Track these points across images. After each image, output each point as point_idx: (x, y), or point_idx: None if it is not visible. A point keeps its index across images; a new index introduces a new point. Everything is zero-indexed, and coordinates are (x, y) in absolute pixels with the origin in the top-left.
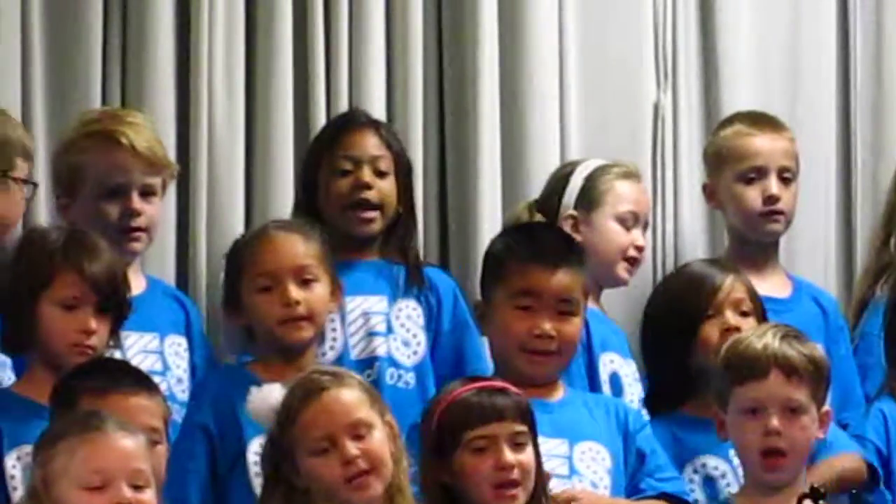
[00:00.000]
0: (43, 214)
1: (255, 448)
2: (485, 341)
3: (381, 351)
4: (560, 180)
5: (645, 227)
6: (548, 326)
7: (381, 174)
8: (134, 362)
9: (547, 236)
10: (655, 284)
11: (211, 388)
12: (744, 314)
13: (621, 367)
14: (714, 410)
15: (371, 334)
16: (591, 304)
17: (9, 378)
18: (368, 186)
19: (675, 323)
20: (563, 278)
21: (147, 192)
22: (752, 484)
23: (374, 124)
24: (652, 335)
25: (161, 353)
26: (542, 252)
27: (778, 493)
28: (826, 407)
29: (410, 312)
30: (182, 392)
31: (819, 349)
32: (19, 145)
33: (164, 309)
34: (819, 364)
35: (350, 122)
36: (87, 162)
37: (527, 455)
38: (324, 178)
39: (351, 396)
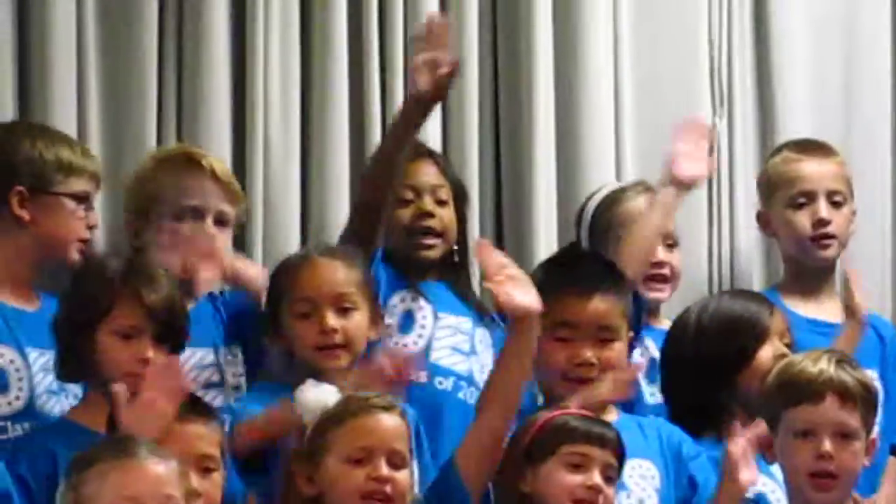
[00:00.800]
0: (99, 234)
1: None
2: None
3: (461, 368)
4: (576, 218)
5: (668, 241)
6: (588, 354)
7: (441, 203)
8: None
9: (582, 262)
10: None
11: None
12: (787, 346)
13: None
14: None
15: (455, 349)
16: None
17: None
18: (431, 215)
19: (724, 359)
20: (599, 305)
21: (221, 221)
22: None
23: (432, 154)
24: (686, 373)
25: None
26: (576, 280)
27: None
28: (873, 435)
29: (486, 339)
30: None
31: (871, 376)
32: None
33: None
34: (872, 391)
35: (411, 153)
36: (164, 185)
37: (611, 490)
38: (386, 210)
39: (399, 427)
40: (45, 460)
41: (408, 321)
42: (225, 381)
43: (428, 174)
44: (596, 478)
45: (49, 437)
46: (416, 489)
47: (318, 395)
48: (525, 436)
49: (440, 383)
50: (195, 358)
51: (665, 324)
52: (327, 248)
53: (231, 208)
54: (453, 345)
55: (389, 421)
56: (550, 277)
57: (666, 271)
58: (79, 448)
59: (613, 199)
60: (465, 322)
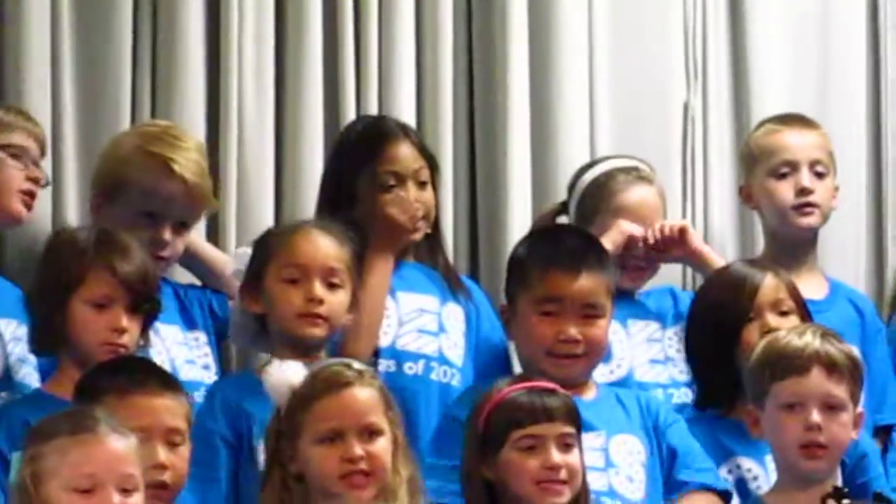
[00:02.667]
0: (72, 215)
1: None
2: (511, 344)
3: (429, 349)
4: (570, 183)
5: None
6: (573, 331)
7: (422, 185)
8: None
9: (568, 240)
10: (683, 282)
11: (222, 394)
12: (783, 314)
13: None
14: (748, 409)
15: (421, 331)
16: None
17: (30, 376)
18: (416, 202)
19: (717, 327)
20: (585, 283)
21: (181, 226)
22: (785, 481)
23: (406, 132)
24: (695, 339)
25: None
26: (563, 257)
27: (810, 488)
28: (860, 409)
29: (457, 316)
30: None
31: (855, 350)
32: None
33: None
34: (857, 364)
35: (386, 134)
36: (135, 179)
37: (574, 456)
38: (365, 191)
39: (369, 398)
40: (21, 432)
41: None
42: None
43: (407, 157)
44: (553, 456)
45: (25, 408)
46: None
47: (285, 375)
48: (477, 422)
49: (410, 369)
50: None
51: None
52: (324, 223)
53: (195, 215)
54: (419, 327)
55: (358, 394)
56: (537, 252)
57: (643, 264)
58: None
59: (606, 185)
60: (431, 301)
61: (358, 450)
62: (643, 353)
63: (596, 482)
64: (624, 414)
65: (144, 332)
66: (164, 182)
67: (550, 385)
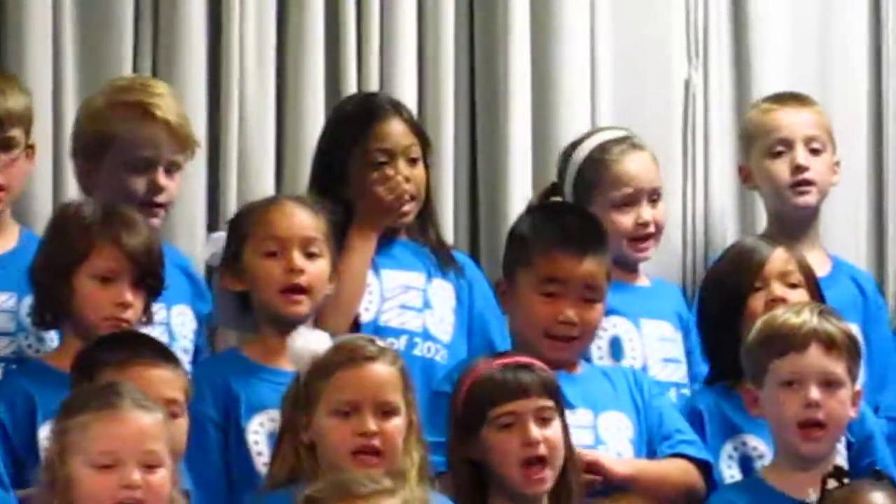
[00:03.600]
0: (73, 189)
1: (253, 427)
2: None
3: (412, 325)
4: (559, 165)
5: (653, 198)
6: (571, 313)
7: (412, 161)
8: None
9: (574, 220)
10: (684, 260)
11: (208, 375)
12: (792, 286)
13: (626, 331)
14: (746, 387)
15: (404, 307)
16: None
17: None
18: (407, 180)
19: (725, 297)
20: (590, 266)
21: (172, 169)
22: (784, 458)
23: (397, 108)
24: (705, 311)
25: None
26: (570, 238)
27: (810, 467)
28: (857, 386)
29: (445, 293)
30: (188, 363)
31: (854, 327)
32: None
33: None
34: (855, 341)
35: (377, 112)
36: (117, 131)
37: (553, 430)
38: (355, 169)
39: (389, 376)
40: (22, 403)
41: None
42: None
43: (398, 134)
44: (532, 431)
45: (25, 379)
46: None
47: (309, 343)
48: (456, 403)
49: (392, 344)
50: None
51: (643, 282)
52: (296, 195)
53: (183, 155)
54: (403, 303)
55: (378, 370)
56: (541, 230)
57: (651, 229)
58: (55, 391)
59: (601, 158)
60: (417, 277)
61: (372, 425)
62: (656, 352)
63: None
64: (612, 389)
65: (147, 308)
66: (147, 126)
67: (525, 360)
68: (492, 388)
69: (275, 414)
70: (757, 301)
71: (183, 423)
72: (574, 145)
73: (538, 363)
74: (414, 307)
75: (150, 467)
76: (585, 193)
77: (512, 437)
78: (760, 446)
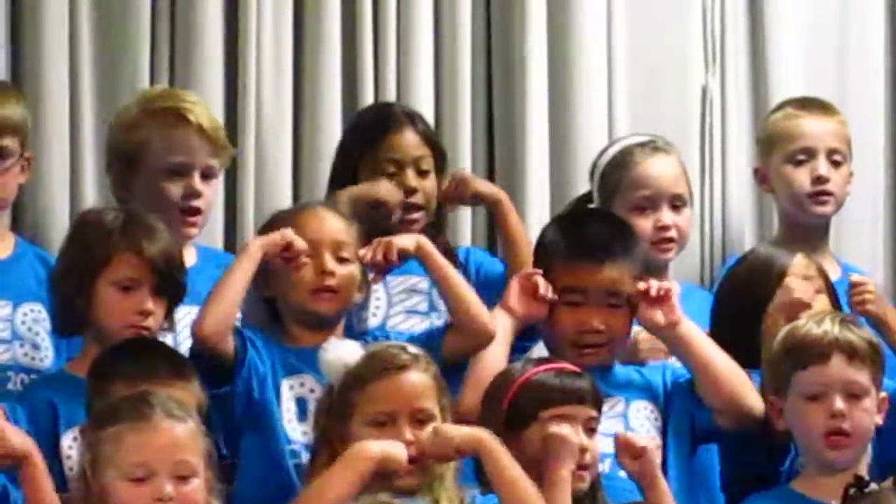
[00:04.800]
0: (91, 196)
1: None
2: None
3: (419, 329)
4: (590, 173)
5: (675, 203)
6: (596, 322)
7: (423, 173)
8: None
9: (595, 227)
10: (702, 262)
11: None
12: (814, 292)
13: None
14: (770, 400)
15: (410, 312)
16: None
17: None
18: (415, 190)
19: (745, 305)
20: (610, 273)
21: (207, 175)
22: (811, 468)
23: (411, 119)
24: (722, 320)
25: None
26: (588, 247)
27: (837, 475)
28: (883, 393)
29: None
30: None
31: (871, 333)
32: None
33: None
34: (877, 348)
35: (390, 121)
36: (151, 138)
37: (595, 442)
38: (365, 178)
39: (423, 383)
40: (45, 412)
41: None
42: None
43: (409, 145)
44: (582, 439)
45: (48, 389)
46: None
47: (340, 354)
48: (501, 401)
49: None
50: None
51: (675, 287)
52: (328, 202)
53: (217, 161)
54: (409, 307)
55: (412, 379)
56: (562, 240)
57: (672, 234)
58: (77, 399)
59: (623, 160)
60: (422, 281)
61: (408, 434)
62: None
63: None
64: (643, 380)
65: (169, 315)
66: (182, 131)
67: (576, 368)
68: (548, 389)
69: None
70: (777, 308)
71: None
72: (602, 153)
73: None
74: (420, 311)
75: (183, 478)
76: (608, 198)
77: None
78: None
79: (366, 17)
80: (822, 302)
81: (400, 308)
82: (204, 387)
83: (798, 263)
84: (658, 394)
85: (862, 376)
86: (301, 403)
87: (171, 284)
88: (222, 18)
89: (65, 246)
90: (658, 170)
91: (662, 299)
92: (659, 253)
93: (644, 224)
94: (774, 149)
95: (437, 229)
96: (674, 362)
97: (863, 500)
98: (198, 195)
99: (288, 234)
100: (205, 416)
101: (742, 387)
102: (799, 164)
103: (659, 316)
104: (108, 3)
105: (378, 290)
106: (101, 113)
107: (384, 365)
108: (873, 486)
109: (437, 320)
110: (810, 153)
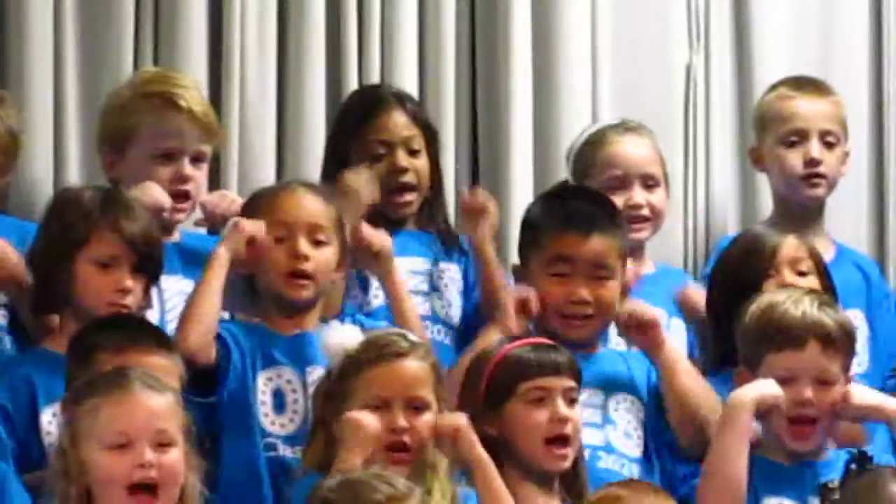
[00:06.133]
0: (75, 176)
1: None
2: None
3: (421, 309)
4: (566, 159)
5: (647, 183)
6: (584, 292)
7: (414, 153)
8: None
9: (580, 201)
10: (685, 245)
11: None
12: (801, 273)
13: None
14: (740, 371)
15: (411, 292)
16: None
17: None
18: (405, 170)
19: (736, 286)
20: (596, 244)
21: (197, 159)
22: (772, 444)
23: (400, 100)
24: (715, 298)
25: None
26: (574, 218)
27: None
28: (850, 373)
29: (453, 275)
30: None
31: (849, 318)
32: None
33: None
34: (850, 333)
35: (378, 103)
36: (142, 122)
37: (576, 412)
38: (356, 160)
39: (420, 371)
40: (23, 388)
41: (362, 280)
42: None
43: (398, 125)
44: (561, 408)
45: (26, 364)
46: None
47: (340, 338)
48: (480, 378)
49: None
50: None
51: (650, 267)
52: (308, 182)
53: (208, 146)
54: (410, 288)
55: (409, 366)
56: (549, 212)
57: (644, 212)
58: (55, 374)
59: (595, 140)
60: (422, 262)
61: (402, 421)
62: None
63: (593, 438)
64: (627, 371)
65: (146, 292)
66: (173, 117)
67: (551, 342)
68: (525, 363)
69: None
70: (769, 288)
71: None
72: (578, 136)
73: (562, 347)
74: (421, 291)
75: (162, 446)
76: (581, 178)
77: (540, 412)
78: None
79: (350, 4)
80: (809, 283)
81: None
82: (189, 397)
83: (788, 245)
84: (640, 386)
85: (834, 365)
86: (278, 396)
87: (149, 262)
88: (206, 1)
89: (43, 224)
90: (629, 149)
91: (647, 326)
92: (632, 233)
93: (616, 203)
94: (768, 130)
95: (434, 209)
96: None
97: (860, 480)
98: (187, 180)
99: (249, 228)
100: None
101: (711, 419)
102: (791, 145)
103: (643, 341)
104: None
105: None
106: (85, 93)
107: (382, 351)
108: (873, 466)
109: (439, 300)
110: (803, 135)
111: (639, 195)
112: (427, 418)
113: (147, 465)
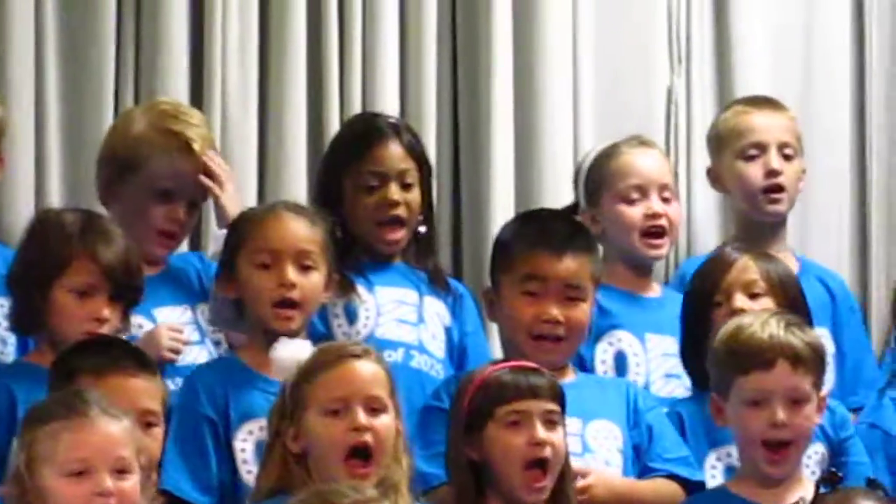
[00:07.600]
0: (56, 196)
1: (241, 436)
2: (494, 327)
3: (409, 338)
4: (574, 180)
5: (664, 195)
6: (555, 312)
7: (407, 186)
8: None
9: (554, 222)
10: (667, 265)
11: (203, 380)
12: (754, 296)
13: (631, 346)
14: (712, 398)
15: (400, 321)
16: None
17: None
18: (397, 203)
19: (695, 310)
20: (569, 264)
21: (194, 204)
22: (749, 473)
23: (396, 131)
24: (683, 323)
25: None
26: (548, 237)
27: (774, 484)
28: (823, 392)
29: (438, 310)
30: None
31: (817, 336)
32: None
33: None
34: (820, 352)
35: (374, 134)
36: (152, 157)
37: (558, 436)
38: (349, 190)
39: (375, 372)
40: (4, 398)
41: (351, 310)
42: (206, 337)
43: (393, 157)
44: (539, 432)
45: (7, 377)
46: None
47: (292, 352)
48: (462, 402)
49: (390, 356)
50: (174, 315)
51: (654, 291)
52: (294, 204)
53: (205, 194)
54: (398, 317)
55: (364, 367)
56: (522, 232)
57: (663, 222)
58: (37, 386)
59: (610, 153)
60: (410, 294)
61: (363, 419)
62: (659, 367)
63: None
64: (603, 399)
65: (125, 317)
66: (184, 161)
67: (533, 365)
68: (502, 386)
69: (264, 423)
70: (720, 314)
71: (159, 433)
72: (584, 157)
73: (545, 369)
74: (409, 321)
75: (120, 473)
76: (596, 191)
77: (518, 435)
78: None
79: (331, 18)
80: (763, 305)
81: (389, 318)
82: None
83: (738, 268)
84: (619, 414)
85: (805, 383)
86: (259, 447)
87: (127, 290)
88: (188, 18)
89: (23, 245)
90: (646, 160)
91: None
92: (649, 249)
93: (633, 213)
94: (725, 146)
95: (424, 248)
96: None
97: (830, 499)
98: (179, 224)
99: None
100: (167, 409)
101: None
102: (750, 158)
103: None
104: (73, 1)
105: (367, 300)
106: (66, 111)
107: (337, 353)
108: (843, 486)
109: (425, 331)
110: (761, 147)
111: (657, 204)
112: (386, 420)
113: (107, 494)
